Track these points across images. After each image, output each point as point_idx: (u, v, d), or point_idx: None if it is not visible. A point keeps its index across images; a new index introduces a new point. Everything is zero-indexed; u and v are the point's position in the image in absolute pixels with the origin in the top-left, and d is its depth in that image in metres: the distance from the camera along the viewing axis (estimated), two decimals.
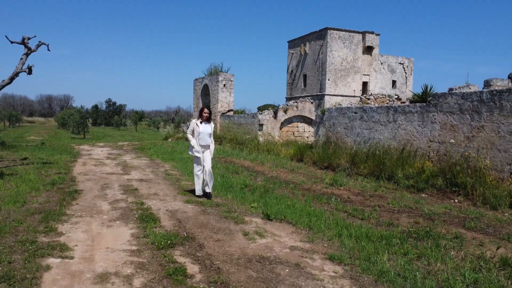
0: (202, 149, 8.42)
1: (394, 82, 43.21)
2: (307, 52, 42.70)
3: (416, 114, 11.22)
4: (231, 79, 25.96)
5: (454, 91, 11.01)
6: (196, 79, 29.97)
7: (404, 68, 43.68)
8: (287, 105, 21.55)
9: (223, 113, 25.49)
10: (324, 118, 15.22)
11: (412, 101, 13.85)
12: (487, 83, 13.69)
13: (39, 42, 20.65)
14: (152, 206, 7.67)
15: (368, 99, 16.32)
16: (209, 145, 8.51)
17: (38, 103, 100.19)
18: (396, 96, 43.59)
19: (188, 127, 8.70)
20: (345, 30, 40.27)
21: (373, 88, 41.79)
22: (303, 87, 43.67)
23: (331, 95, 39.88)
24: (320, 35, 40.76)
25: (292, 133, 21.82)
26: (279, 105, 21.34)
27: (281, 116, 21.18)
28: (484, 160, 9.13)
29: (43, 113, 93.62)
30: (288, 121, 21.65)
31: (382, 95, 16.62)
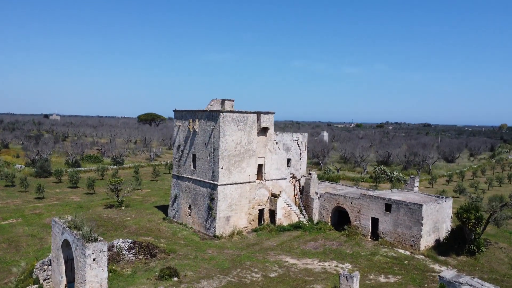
0: None
1: (289, 160, 41.00)
2: (196, 130, 37.66)
3: None
4: (104, 249, 19.83)
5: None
6: (55, 222, 22.79)
7: (298, 144, 41.74)
8: None
9: None
10: None
11: None
12: None
13: None
14: None
15: None
16: None
17: None
18: (291, 175, 41.56)
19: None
20: (239, 112, 36.28)
21: (268, 170, 38.94)
22: (192, 168, 38.67)
23: (224, 184, 35.79)
24: (212, 116, 36.04)
25: None
26: None
27: None
28: None
29: None
30: None
31: None
